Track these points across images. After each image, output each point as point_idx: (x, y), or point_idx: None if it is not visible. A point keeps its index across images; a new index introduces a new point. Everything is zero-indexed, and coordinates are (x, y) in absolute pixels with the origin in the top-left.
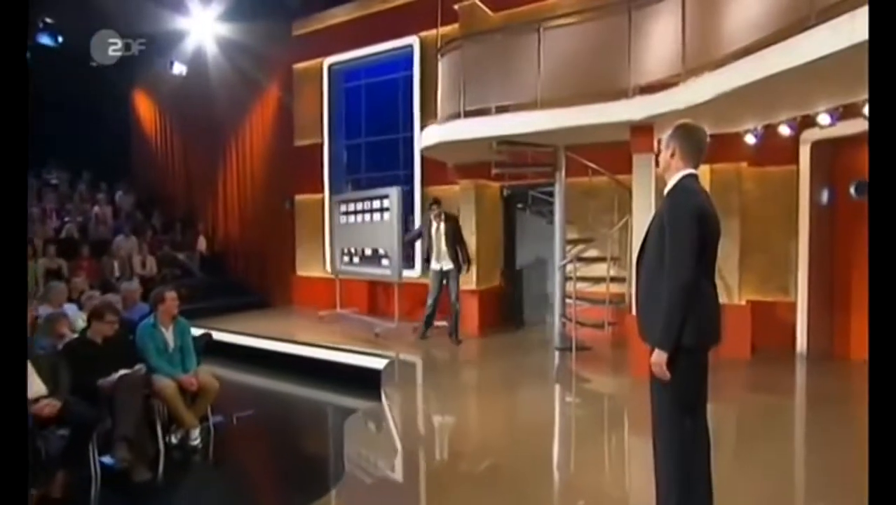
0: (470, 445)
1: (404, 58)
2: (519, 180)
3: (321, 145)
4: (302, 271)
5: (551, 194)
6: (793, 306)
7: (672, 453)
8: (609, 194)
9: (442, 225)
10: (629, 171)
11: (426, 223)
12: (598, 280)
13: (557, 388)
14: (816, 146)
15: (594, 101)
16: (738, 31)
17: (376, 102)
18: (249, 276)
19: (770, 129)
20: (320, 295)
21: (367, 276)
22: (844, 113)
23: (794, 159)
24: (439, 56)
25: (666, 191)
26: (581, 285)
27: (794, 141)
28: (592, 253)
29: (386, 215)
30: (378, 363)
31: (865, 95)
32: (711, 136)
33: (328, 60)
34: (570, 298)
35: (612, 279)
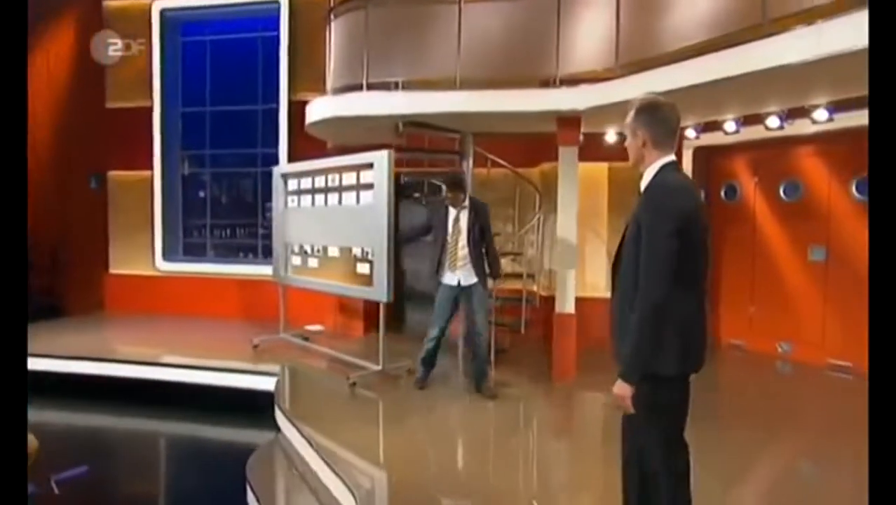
0: (407, 475)
1: (267, 15)
2: (416, 167)
3: (150, 110)
4: (118, 269)
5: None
6: None
7: (665, 492)
8: (507, 187)
9: (463, 217)
10: (529, 164)
11: (437, 213)
12: (512, 277)
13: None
14: (697, 152)
15: (517, 87)
16: (683, 29)
17: (227, 65)
18: (38, 276)
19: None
20: (144, 298)
21: (332, 291)
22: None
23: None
24: (332, 17)
25: (643, 186)
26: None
27: (679, 146)
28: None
29: (366, 196)
30: (266, 383)
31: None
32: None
33: (159, 3)
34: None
35: (520, 276)
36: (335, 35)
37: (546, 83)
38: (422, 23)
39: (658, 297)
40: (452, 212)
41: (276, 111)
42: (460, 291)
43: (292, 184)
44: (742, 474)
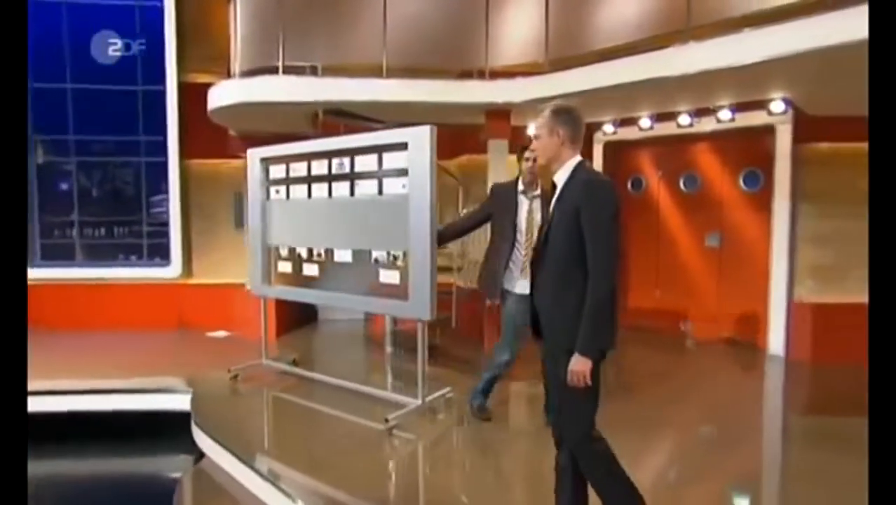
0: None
1: None
2: None
3: None
4: None
5: None
6: None
7: (601, 463)
8: None
9: (537, 208)
10: (447, 156)
11: (501, 199)
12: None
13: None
14: (607, 146)
15: (446, 77)
16: (611, 29)
17: (92, 35)
18: None
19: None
20: None
21: (342, 306)
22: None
23: (590, 156)
24: None
25: (562, 181)
26: None
27: (589, 140)
28: None
29: (393, 184)
30: (180, 401)
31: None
32: None
33: None
34: None
35: (449, 269)
36: (241, 11)
37: (473, 74)
38: (343, 4)
39: (613, 281)
40: (524, 201)
41: (162, 93)
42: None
43: (277, 171)
44: (649, 444)
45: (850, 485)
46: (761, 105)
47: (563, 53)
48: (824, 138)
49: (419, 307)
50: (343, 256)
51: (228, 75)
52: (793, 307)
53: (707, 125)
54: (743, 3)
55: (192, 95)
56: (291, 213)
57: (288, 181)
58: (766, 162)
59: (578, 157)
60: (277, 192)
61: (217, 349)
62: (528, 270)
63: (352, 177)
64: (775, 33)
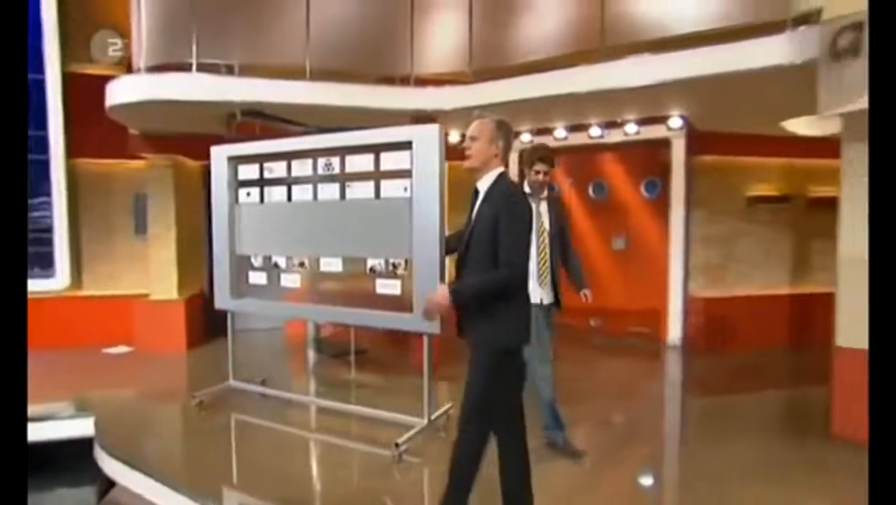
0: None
1: None
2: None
3: None
4: None
5: None
6: None
7: (460, 454)
8: None
9: (545, 211)
10: None
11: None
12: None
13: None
14: (522, 154)
15: (371, 82)
16: (532, 43)
17: None
18: None
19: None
20: None
21: (329, 319)
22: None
23: (506, 163)
24: None
25: (485, 187)
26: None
27: None
28: None
29: (392, 187)
30: (82, 428)
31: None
32: None
33: None
34: None
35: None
36: (146, 2)
37: (395, 80)
38: (263, 2)
39: (518, 271)
40: (538, 204)
41: (41, 83)
42: (542, 312)
43: (248, 171)
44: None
45: (733, 450)
46: (662, 120)
47: (487, 64)
48: (712, 151)
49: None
50: (331, 265)
51: (129, 70)
52: (688, 302)
53: (615, 137)
54: (650, 30)
55: (81, 88)
56: (268, 218)
57: (263, 183)
58: (664, 172)
59: (502, 168)
60: (249, 194)
61: (118, 367)
62: (544, 278)
63: (342, 178)
64: (675, 59)
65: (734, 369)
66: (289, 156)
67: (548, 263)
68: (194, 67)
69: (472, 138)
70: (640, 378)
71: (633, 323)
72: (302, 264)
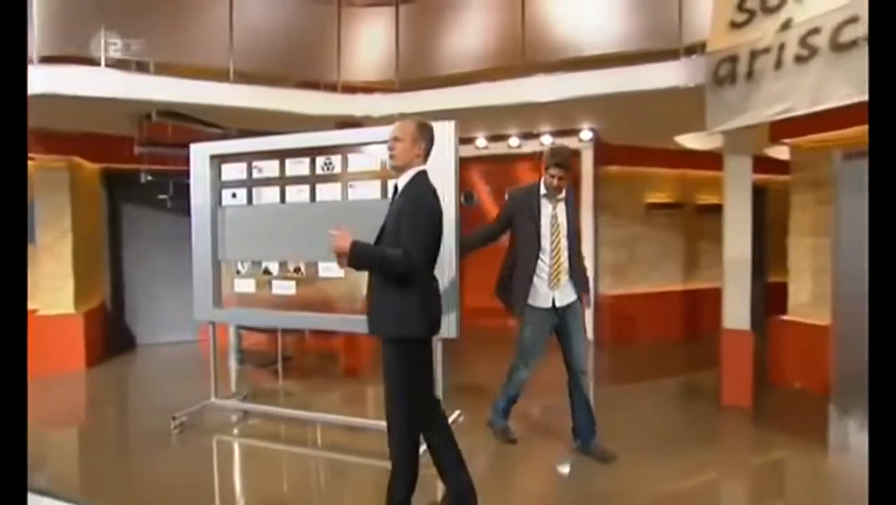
0: None
1: None
2: (161, 165)
3: None
4: None
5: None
6: None
7: (396, 441)
8: None
9: (562, 212)
10: None
11: (519, 207)
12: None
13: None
14: None
15: (295, 86)
16: (457, 56)
17: None
18: None
19: None
20: None
21: (332, 328)
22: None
23: None
24: None
25: (403, 184)
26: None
27: None
28: None
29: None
30: None
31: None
32: None
33: None
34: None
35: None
36: None
37: (320, 86)
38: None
39: (415, 261)
40: (547, 205)
41: None
42: (558, 315)
43: (232, 171)
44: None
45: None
46: (574, 133)
47: (414, 74)
48: (616, 162)
49: (445, 324)
50: (332, 270)
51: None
52: (598, 299)
53: (531, 147)
54: (565, 50)
55: None
56: (258, 221)
57: (251, 183)
58: (576, 180)
59: (423, 168)
60: (234, 196)
61: None
62: (557, 281)
63: (344, 178)
64: (585, 77)
65: (638, 359)
66: (282, 154)
67: (562, 266)
68: (103, 63)
69: (396, 139)
70: (558, 372)
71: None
72: (297, 270)
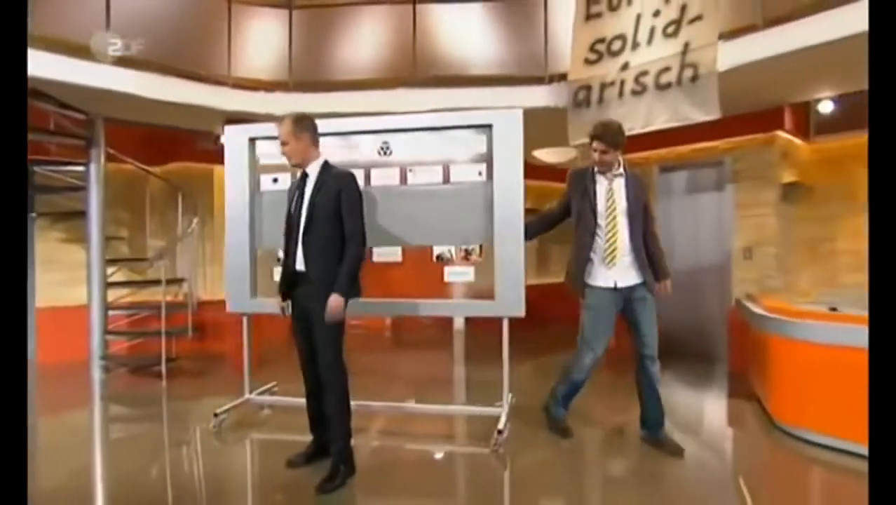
0: None
1: None
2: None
3: None
4: None
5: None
6: None
7: (341, 387)
8: (123, 185)
9: (619, 188)
10: (154, 162)
11: (580, 183)
12: (149, 283)
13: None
14: None
15: (183, 77)
16: (351, 64)
17: None
18: None
19: None
20: None
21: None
22: None
23: None
24: None
25: (315, 171)
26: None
27: None
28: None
29: (467, 171)
30: None
31: None
32: None
33: None
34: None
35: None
36: None
37: (208, 80)
38: None
39: (364, 243)
40: (602, 181)
41: None
42: (622, 298)
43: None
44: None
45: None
46: None
47: (306, 77)
48: None
49: (510, 304)
50: (385, 255)
51: None
52: None
53: None
54: (452, 68)
55: None
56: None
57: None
58: None
59: (323, 157)
60: (276, 181)
61: None
62: (612, 259)
63: (403, 163)
64: (467, 93)
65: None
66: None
67: (618, 244)
68: None
69: (284, 143)
70: (434, 351)
71: (427, 317)
72: None
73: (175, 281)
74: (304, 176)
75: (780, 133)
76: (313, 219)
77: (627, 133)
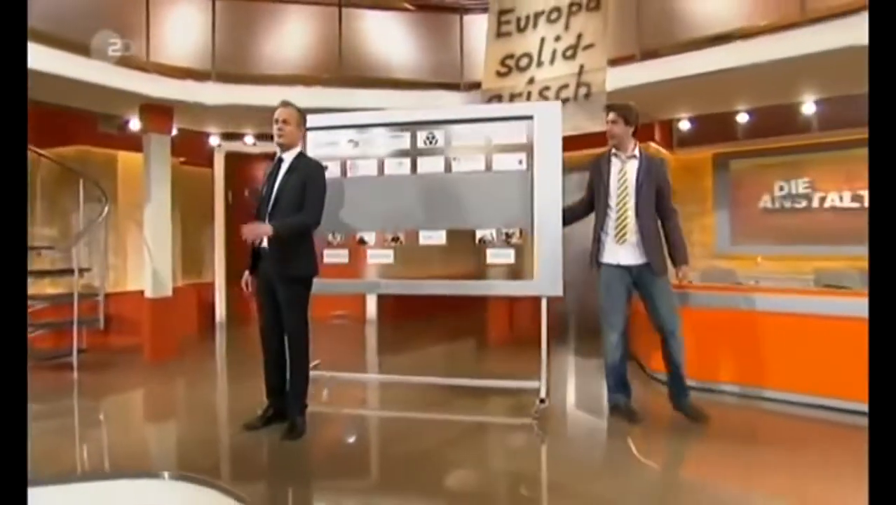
0: None
1: None
2: None
3: None
4: None
5: None
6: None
7: (305, 346)
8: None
9: (632, 169)
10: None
11: (597, 166)
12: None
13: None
14: (227, 157)
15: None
16: (277, 58)
17: None
18: None
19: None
20: None
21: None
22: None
23: (211, 165)
24: None
25: (290, 159)
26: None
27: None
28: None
29: (508, 160)
30: None
31: None
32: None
33: None
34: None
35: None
36: None
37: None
38: None
39: (315, 222)
40: (616, 163)
41: None
42: (632, 276)
43: (324, 144)
44: None
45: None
46: None
47: (230, 68)
48: None
49: (549, 284)
50: (432, 238)
51: None
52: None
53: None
54: (376, 70)
55: None
56: (355, 193)
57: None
58: None
59: (300, 148)
60: (326, 168)
61: None
62: (622, 237)
63: (446, 152)
64: (387, 95)
65: (409, 331)
66: (381, 127)
67: (627, 222)
68: None
69: (285, 122)
70: (351, 335)
71: (341, 308)
72: (396, 239)
73: (68, 271)
74: (280, 161)
75: (652, 144)
76: (279, 202)
77: None
